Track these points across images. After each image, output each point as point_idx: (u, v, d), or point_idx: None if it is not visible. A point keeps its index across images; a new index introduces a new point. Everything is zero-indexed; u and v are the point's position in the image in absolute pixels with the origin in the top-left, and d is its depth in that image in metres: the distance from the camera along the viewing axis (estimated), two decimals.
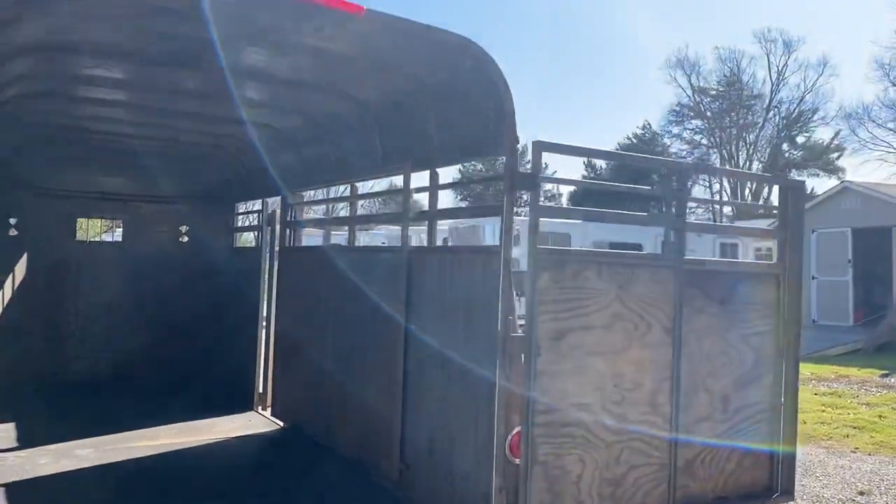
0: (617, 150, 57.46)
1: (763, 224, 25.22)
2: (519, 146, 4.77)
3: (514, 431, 4.43)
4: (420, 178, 5.88)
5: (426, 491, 5.35)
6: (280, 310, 8.18)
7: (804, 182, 6.10)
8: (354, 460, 6.27)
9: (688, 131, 59.73)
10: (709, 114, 58.61)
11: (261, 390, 8.53)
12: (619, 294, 4.76)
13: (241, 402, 8.60)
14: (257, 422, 8.15)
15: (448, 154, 5.56)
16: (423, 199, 6.03)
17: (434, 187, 5.71)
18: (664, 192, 5.20)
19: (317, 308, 7.25)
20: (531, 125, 68.74)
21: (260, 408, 8.50)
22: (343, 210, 7.46)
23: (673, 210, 5.22)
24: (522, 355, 4.41)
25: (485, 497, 4.47)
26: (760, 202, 45.38)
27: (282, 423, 7.93)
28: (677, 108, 59.07)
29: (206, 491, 5.99)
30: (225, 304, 9.59)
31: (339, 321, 6.83)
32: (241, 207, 10.04)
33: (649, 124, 59.73)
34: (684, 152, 58.10)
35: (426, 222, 5.89)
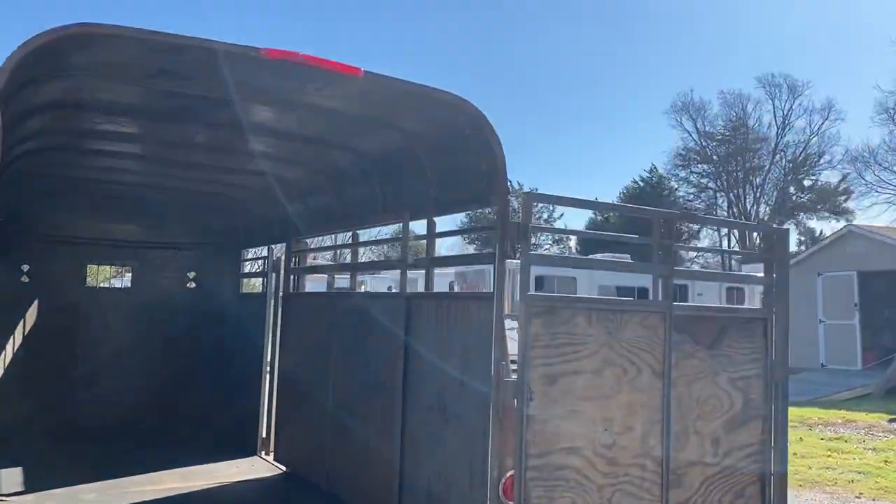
0: (623, 193, 57.92)
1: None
2: (523, 189, 4.99)
3: (508, 475, 4.54)
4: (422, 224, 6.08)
5: None
6: (283, 355, 8.34)
7: (788, 230, 6.27)
8: None
9: (694, 175, 60.05)
10: (715, 157, 58.93)
11: (264, 435, 8.63)
12: (609, 339, 4.90)
13: (246, 446, 8.71)
14: (260, 467, 8.24)
15: (444, 204, 5.77)
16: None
17: (431, 236, 5.91)
18: (653, 241, 5.37)
19: (319, 353, 7.41)
20: (538, 169, 69.34)
21: (263, 452, 8.60)
22: (347, 257, 7.64)
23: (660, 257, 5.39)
24: (515, 400, 4.54)
25: None
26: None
27: (284, 468, 8.03)
28: (683, 152, 59.49)
29: None
30: (231, 349, 9.76)
31: (340, 366, 6.98)
32: (248, 254, 10.27)
33: (656, 168, 60.17)
34: (691, 195, 58.45)
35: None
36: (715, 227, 56.85)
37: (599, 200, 4.98)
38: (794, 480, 10.47)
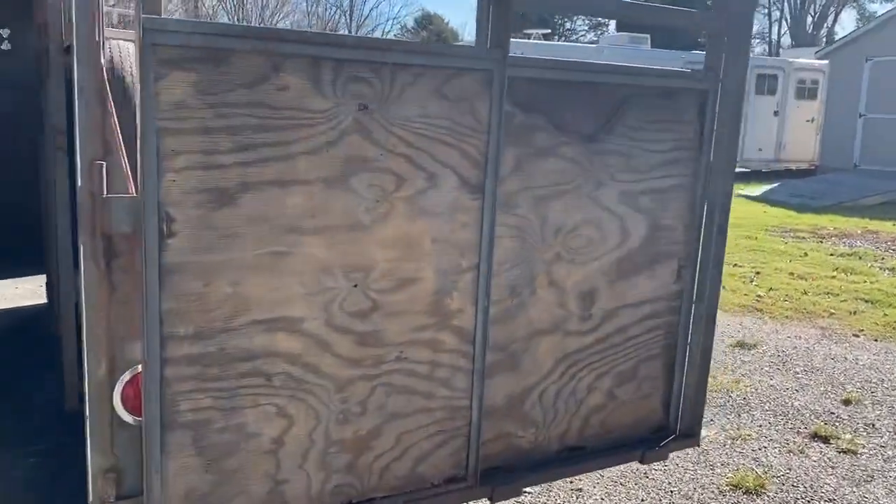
0: None
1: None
2: None
3: (132, 374, 2.44)
4: None
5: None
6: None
7: None
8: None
9: None
10: None
11: None
12: (365, 120, 2.56)
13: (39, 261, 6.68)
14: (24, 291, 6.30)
15: None
16: None
17: None
18: None
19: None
20: None
21: None
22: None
23: None
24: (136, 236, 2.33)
25: (95, 478, 2.54)
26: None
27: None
28: None
29: None
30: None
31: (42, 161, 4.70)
32: None
33: None
34: None
35: None
36: (765, 11, 51.15)
37: None
38: (782, 309, 8.39)
